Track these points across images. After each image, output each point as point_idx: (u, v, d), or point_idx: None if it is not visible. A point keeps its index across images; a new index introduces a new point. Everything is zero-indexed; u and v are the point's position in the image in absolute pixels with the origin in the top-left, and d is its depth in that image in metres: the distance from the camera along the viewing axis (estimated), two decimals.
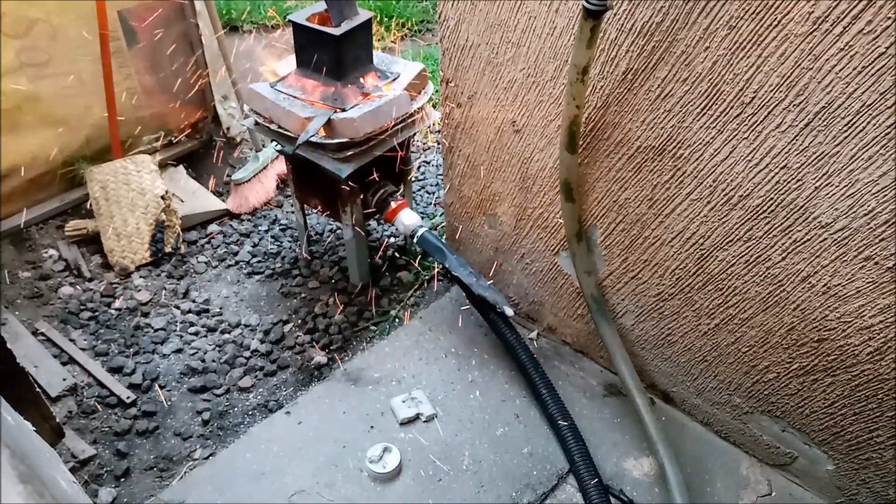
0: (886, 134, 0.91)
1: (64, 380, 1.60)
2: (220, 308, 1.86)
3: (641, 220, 1.28)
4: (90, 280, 1.91)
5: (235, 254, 2.04)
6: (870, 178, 0.96)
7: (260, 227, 2.14)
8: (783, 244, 1.10)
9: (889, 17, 0.85)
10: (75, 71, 1.98)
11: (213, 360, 1.70)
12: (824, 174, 1.00)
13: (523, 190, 1.47)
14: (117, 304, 1.84)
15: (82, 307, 1.83)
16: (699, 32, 1.02)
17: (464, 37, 1.36)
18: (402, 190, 1.78)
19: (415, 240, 1.62)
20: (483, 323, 1.63)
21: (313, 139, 1.51)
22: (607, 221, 1.34)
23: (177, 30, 2.16)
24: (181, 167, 2.31)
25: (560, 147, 1.22)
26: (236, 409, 1.61)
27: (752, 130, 1.04)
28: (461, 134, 1.52)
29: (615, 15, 1.09)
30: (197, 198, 2.19)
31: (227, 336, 1.78)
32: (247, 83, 1.67)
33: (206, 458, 1.42)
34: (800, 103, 0.97)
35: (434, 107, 1.75)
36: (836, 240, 1.03)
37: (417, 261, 1.97)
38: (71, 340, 1.73)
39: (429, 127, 2.16)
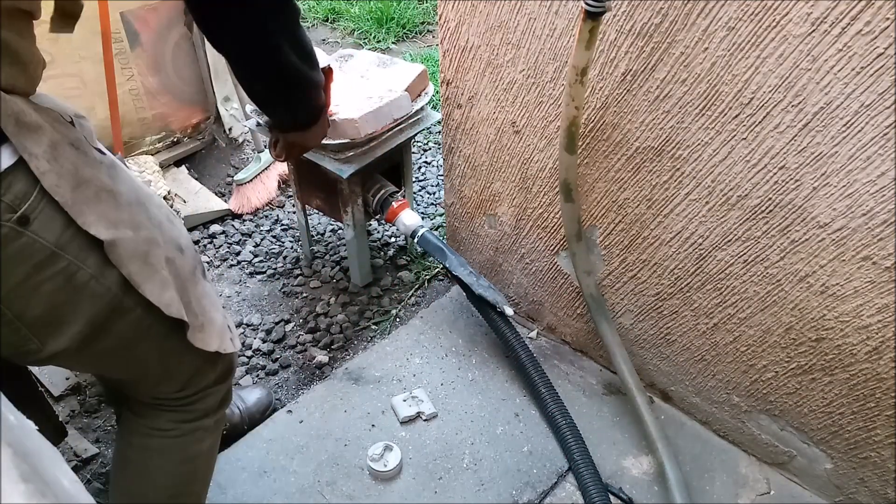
0: (885, 134, 0.92)
1: (67, 379, 1.61)
2: (223, 307, 1.86)
3: (640, 221, 1.28)
4: None
5: (237, 254, 2.05)
6: (868, 179, 0.96)
7: (262, 227, 2.15)
8: (781, 244, 1.10)
9: (888, 18, 0.85)
10: (78, 72, 1.98)
11: None
12: (822, 174, 1.00)
13: (523, 190, 1.48)
14: None
15: None
16: (698, 34, 1.02)
17: (464, 38, 1.36)
18: (402, 190, 1.78)
19: (415, 240, 1.63)
20: (483, 322, 1.63)
21: None
22: (606, 222, 1.34)
23: (179, 31, 2.17)
24: (183, 168, 2.32)
25: (559, 148, 1.22)
26: None
27: (751, 131, 1.05)
28: (461, 135, 1.53)
29: (614, 16, 1.10)
30: (199, 198, 2.20)
31: None
32: None
33: None
34: (798, 104, 0.98)
35: (434, 108, 1.76)
36: (834, 240, 1.04)
37: (417, 261, 1.98)
38: None
39: (429, 128, 2.16)
